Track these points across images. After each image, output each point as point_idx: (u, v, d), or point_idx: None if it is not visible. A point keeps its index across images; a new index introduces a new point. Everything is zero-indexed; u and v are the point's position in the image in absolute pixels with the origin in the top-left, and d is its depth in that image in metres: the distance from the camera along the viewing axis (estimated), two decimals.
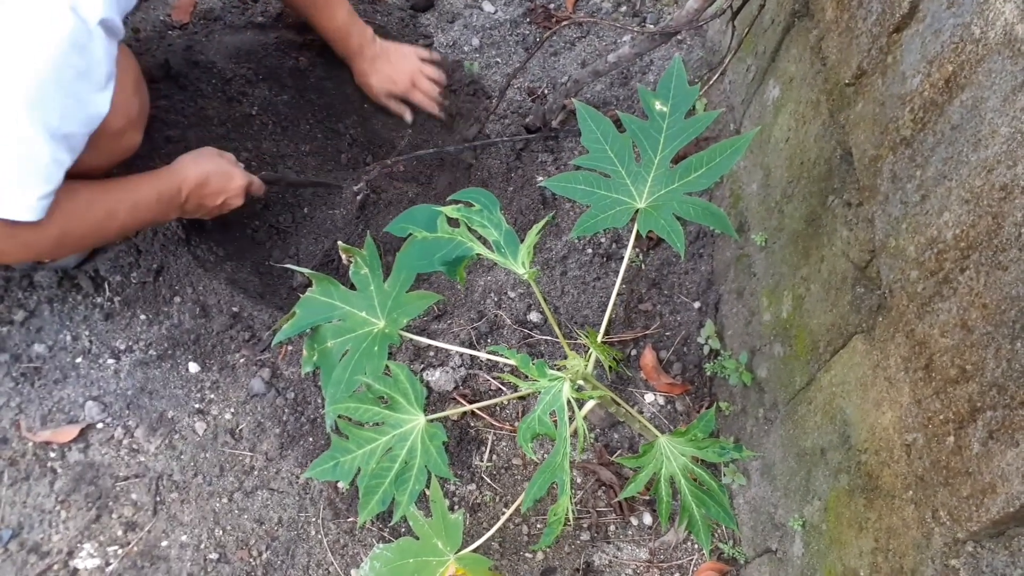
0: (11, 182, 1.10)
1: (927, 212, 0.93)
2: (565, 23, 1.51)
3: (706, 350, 1.56)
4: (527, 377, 0.88)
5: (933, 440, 0.90)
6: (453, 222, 0.97)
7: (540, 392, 0.86)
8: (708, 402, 1.53)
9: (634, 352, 1.59)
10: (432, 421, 0.93)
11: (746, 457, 0.90)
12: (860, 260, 1.09)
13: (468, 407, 1.31)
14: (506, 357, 0.88)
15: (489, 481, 1.44)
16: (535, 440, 0.84)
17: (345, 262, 1.06)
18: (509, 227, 0.95)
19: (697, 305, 1.62)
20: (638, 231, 0.99)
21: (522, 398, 1.48)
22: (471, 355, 1.54)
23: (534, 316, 1.60)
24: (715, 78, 1.47)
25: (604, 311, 1.62)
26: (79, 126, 1.15)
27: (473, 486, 1.43)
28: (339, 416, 0.94)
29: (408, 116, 1.89)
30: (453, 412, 1.05)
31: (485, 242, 0.97)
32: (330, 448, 0.94)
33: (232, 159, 1.56)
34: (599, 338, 1.15)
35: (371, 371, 0.99)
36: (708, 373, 1.53)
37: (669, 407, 1.54)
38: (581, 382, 0.93)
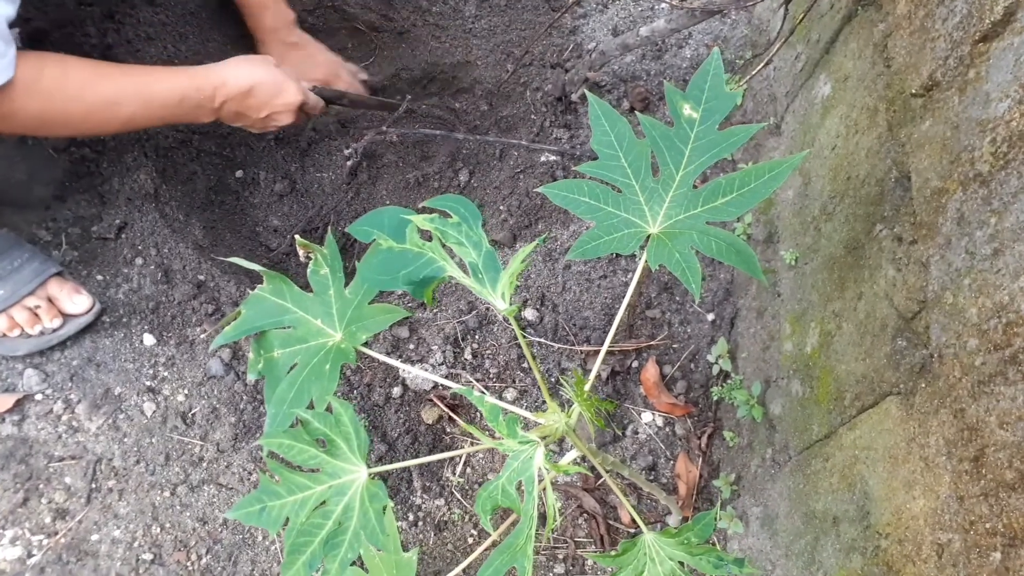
0: None
1: (999, 271, 0.77)
2: None
3: (715, 370, 1.40)
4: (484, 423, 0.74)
5: (974, 550, 0.76)
6: (425, 234, 0.81)
7: (508, 454, 0.71)
8: (711, 428, 1.38)
9: (635, 364, 1.43)
10: (374, 477, 0.78)
11: (747, 574, 0.76)
12: (906, 309, 0.92)
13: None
14: (475, 402, 0.73)
15: (459, 497, 1.30)
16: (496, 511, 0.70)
17: (303, 259, 0.91)
18: (490, 248, 0.78)
19: (711, 318, 1.45)
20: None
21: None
22: (453, 354, 1.39)
23: (529, 313, 1.44)
24: (759, 68, 1.28)
25: (608, 313, 1.46)
26: None
27: (441, 501, 1.29)
28: (270, 454, 0.81)
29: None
30: (402, 465, 0.90)
31: (461, 263, 0.81)
32: (258, 487, 0.80)
33: (291, 73, 1.37)
34: (599, 358, 0.99)
35: (318, 395, 0.85)
36: (715, 397, 1.37)
37: (667, 429, 1.39)
38: (564, 435, 0.79)
